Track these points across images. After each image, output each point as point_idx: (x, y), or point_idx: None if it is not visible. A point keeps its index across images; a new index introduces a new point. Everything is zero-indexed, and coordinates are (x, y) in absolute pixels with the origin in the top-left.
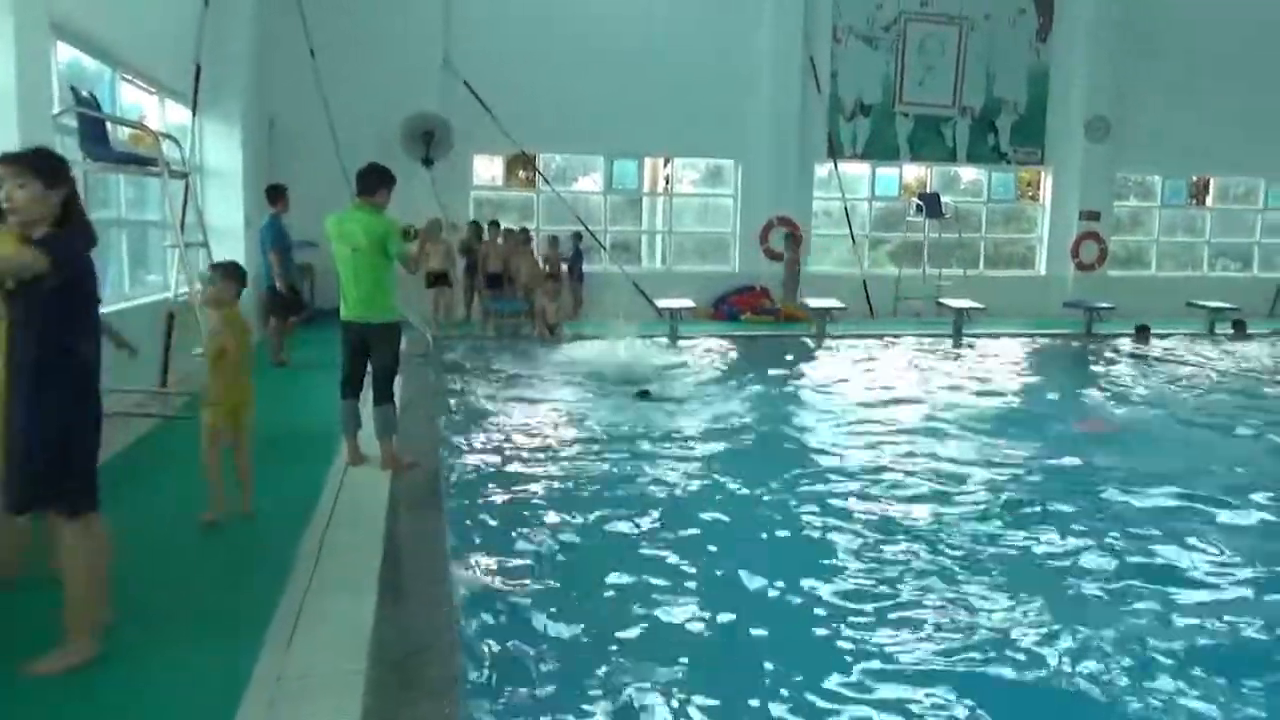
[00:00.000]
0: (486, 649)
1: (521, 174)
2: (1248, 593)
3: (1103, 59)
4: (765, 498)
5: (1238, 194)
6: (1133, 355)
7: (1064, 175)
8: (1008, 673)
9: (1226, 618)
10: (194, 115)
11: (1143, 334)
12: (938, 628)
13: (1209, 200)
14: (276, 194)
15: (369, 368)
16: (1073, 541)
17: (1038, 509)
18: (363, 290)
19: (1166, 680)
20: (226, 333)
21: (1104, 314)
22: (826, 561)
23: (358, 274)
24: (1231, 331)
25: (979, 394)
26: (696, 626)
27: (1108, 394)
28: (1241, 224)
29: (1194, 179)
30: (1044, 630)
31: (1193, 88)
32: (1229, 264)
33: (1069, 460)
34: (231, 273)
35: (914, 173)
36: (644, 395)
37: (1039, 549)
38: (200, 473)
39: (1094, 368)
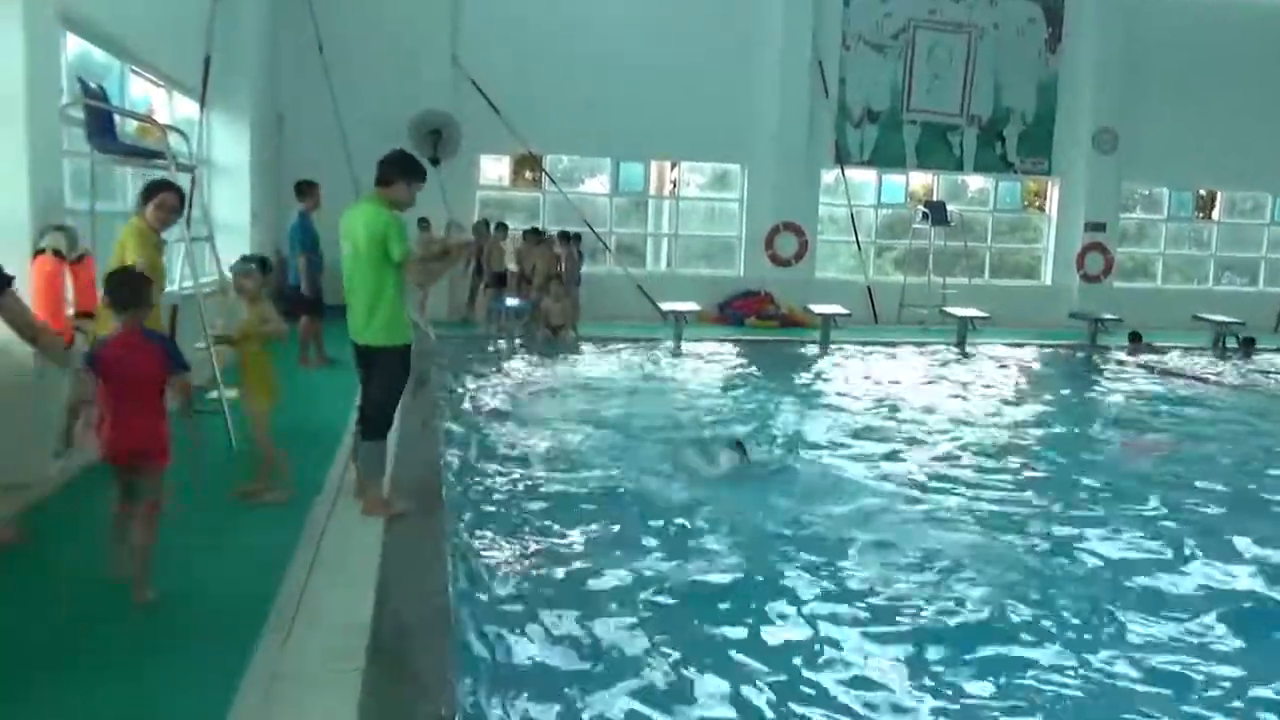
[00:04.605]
0: (482, 647)
1: (528, 175)
2: None
3: (1112, 70)
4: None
5: (1245, 209)
6: (1141, 366)
7: (1070, 186)
8: None
9: None
10: (202, 109)
11: (1135, 340)
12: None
13: (1216, 214)
14: (305, 190)
15: None
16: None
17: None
18: (360, 302)
19: None
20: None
21: (1109, 325)
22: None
23: (355, 281)
24: (1239, 347)
25: (1010, 409)
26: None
27: (1127, 409)
28: (1249, 238)
29: (1201, 192)
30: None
31: (1201, 101)
32: (1235, 278)
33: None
34: (256, 265)
35: (920, 180)
36: (738, 449)
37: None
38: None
39: (1102, 380)
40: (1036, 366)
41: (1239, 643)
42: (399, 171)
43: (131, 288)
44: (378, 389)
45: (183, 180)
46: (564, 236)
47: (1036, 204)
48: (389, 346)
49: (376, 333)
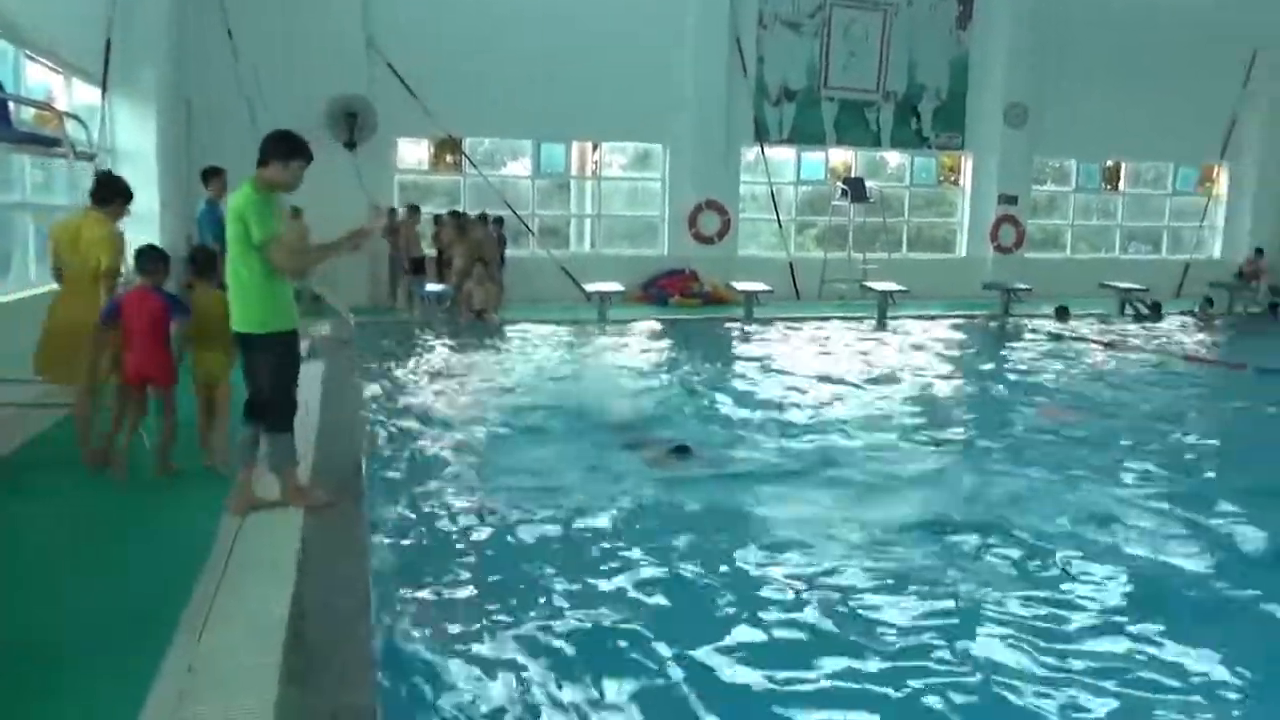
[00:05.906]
0: (404, 637)
1: (449, 158)
2: None
3: (1021, 46)
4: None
5: (1148, 179)
6: (1051, 335)
7: (983, 160)
8: None
9: None
10: (104, 95)
11: (1063, 315)
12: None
13: (1121, 185)
14: (211, 177)
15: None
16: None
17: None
18: (234, 288)
19: None
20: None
21: (1021, 295)
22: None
23: (230, 266)
24: (1148, 312)
25: (930, 378)
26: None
27: (1034, 372)
28: (1153, 208)
29: (1108, 164)
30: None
31: (1107, 75)
32: (1140, 247)
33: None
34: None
35: (839, 157)
36: (681, 452)
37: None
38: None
39: (1014, 347)
40: (954, 337)
41: None
42: (273, 151)
43: (154, 260)
44: (267, 380)
45: (83, 168)
46: (482, 219)
47: (951, 179)
48: (267, 334)
49: (252, 320)
